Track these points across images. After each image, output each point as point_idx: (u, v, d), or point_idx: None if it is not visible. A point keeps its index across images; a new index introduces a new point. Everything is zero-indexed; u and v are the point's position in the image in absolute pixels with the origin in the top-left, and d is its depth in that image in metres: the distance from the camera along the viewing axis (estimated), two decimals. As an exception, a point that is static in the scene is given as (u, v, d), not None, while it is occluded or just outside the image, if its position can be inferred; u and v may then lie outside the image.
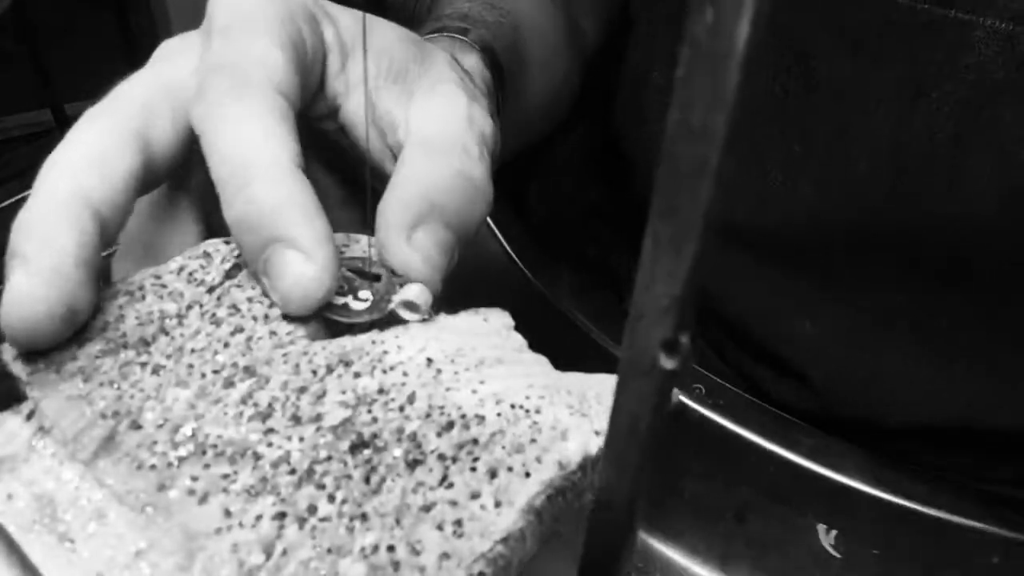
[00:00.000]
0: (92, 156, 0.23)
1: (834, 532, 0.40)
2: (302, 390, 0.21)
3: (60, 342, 0.21)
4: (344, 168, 0.31)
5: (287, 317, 0.23)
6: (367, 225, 0.27)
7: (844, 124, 0.42)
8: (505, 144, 0.30)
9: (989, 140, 0.38)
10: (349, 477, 0.19)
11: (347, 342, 0.23)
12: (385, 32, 0.29)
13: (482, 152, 0.28)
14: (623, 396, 0.13)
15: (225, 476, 0.19)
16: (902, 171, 0.41)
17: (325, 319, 0.24)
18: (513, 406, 0.21)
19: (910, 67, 0.39)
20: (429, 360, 0.22)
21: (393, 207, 0.25)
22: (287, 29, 0.26)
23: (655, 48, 0.53)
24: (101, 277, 0.22)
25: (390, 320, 0.24)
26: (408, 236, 0.25)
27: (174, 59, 0.26)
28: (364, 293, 0.25)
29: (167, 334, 0.22)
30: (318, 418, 0.21)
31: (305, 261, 0.23)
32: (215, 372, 0.22)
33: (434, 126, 0.28)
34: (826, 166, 0.43)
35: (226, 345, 0.22)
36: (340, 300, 0.24)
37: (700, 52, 0.10)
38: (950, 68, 0.38)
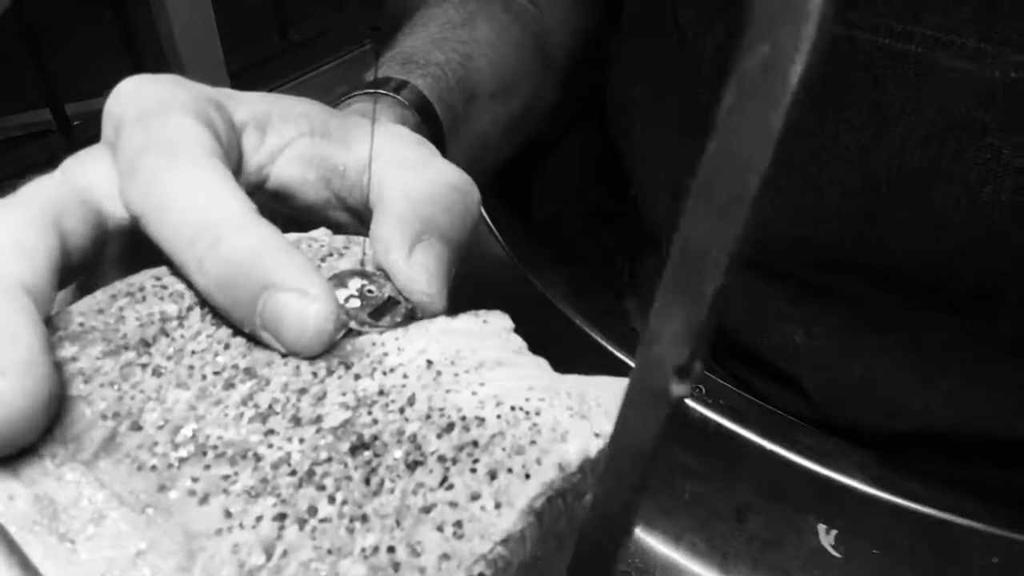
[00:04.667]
0: (14, 243, 0.21)
1: (834, 532, 0.40)
2: (302, 392, 0.21)
3: (40, 434, 0.20)
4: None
5: None
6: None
7: (816, 151, 0.42)
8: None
9: (954, 174, 0.39)
10: (349, 478, 0.19)
11: (347, 344, 0.23)
12: (293, 101, 0.29)
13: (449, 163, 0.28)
14: (630, 416, 0.13)
15: (225, 477, 0.19)
16: (874, 198, 0.41)
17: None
18: (513, 408, 0.21)
19: (876, 98, 0.39)
20: (429, 362, 0.22)
21: (387, 229, 0.25)
22: (199, 111, 0.25)
23: (638, 65, 0.53)
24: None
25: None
26: (408, 256, 0.25)
27: (80, 166, 0.25)
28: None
29: (168, 335, 0.22)
30: (318, 419, 0.21)
31: (303, 299, 0.22)
32: (216, 373, 0.22)
33: (398, 150, 0.28)
34: (802, 190, 0.44)
35: (227, 347, 0.22)
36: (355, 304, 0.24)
37: (750, 87, 0.10)
38: (914, 102, 0.38)
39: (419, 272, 0.25)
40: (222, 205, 0.23)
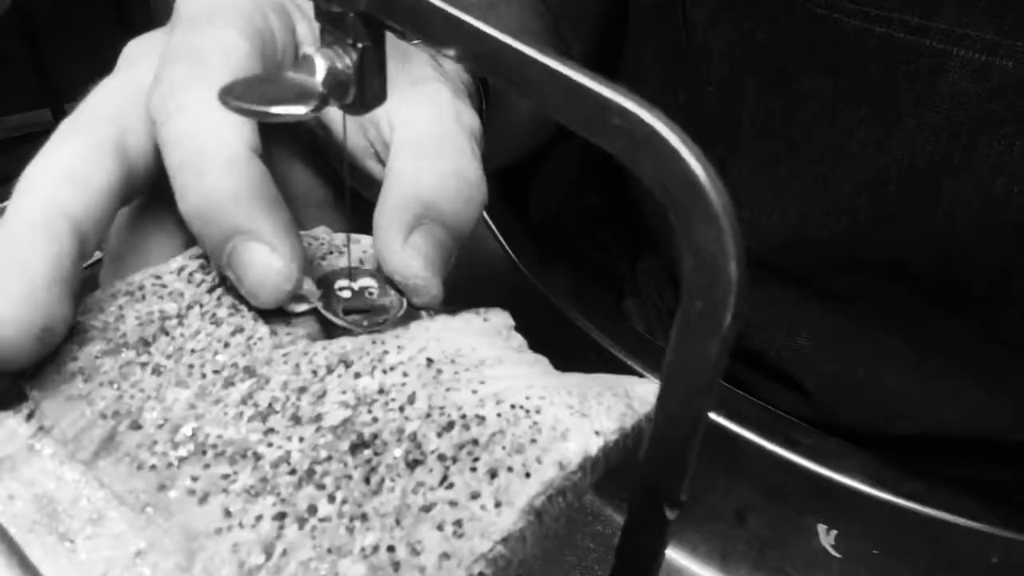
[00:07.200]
0: (68, 170, 0.22)
1: (834, 532, 0.40)
2: (302, 390, 0.21)
3: (38, 360, 0.21)
4: (327, 169, 0.31)
5: (287, 317, 0.23)
6: (349, 224, 0.27)
7: (826, 146, 0.42)
8: (494, 155, 0.30)
9: (965, 168, 0.39)
10: (349, 477, 0.19)
11: (347, 342, 0.23)
12: None
13: (473, 148, 0.27)
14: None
15: (225, 476, 0.19)
16: (884, 193, 0.41)
17: (328, 323, 0.24)
18: (513, 406, 0.21)
19: (889, 92, 0.39)
20: (429, 360, 0.22)
21: (387, 212, 0.25)
22: (252, 19, 0.25)
23: (645, 62, 0.53)
24: (82, 288, 0.22)
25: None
26: (404, 239, 0.24)
27: (140, 64, 0.25)
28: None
29: (167, 334, 0.22)
30: (318, 418, 0.21)
31: (271, 253, 0.22)
32: (215, 372, 0.22)
33: (421, 124, 0.27)
34: (811, 187, 0.43)
35: (226, 345, 0.22)
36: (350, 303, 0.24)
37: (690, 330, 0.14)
38: (927, 96, 0.38)
39: (413, 256, 0.24)
40: (218, 137, 0.23)
